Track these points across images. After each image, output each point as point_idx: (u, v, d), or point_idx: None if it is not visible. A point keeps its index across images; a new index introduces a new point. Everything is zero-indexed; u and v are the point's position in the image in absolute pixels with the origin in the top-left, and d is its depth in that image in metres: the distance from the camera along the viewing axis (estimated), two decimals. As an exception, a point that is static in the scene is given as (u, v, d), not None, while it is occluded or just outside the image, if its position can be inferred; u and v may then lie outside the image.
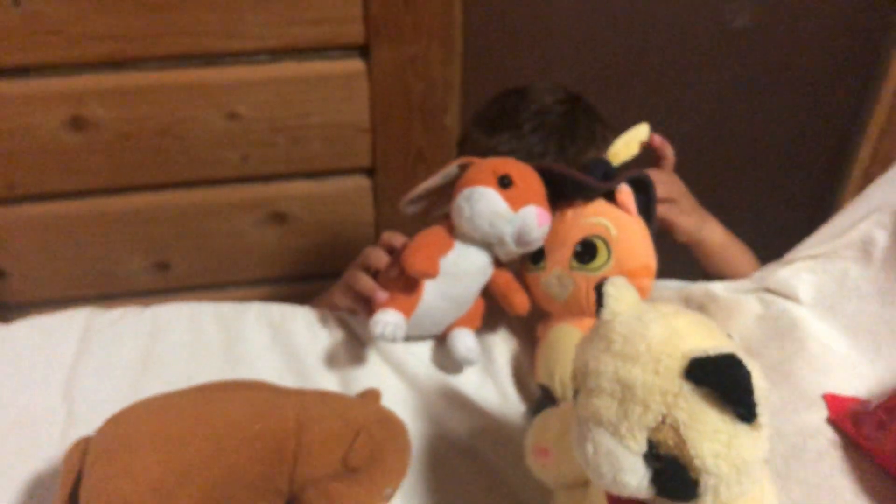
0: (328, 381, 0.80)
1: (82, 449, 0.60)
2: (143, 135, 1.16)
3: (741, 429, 0.46)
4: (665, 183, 0.89)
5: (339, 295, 0.84)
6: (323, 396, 0.67)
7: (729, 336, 0.52)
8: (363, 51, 1.15)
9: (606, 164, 0.78)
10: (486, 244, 0.77)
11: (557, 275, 0.76)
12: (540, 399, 0.77)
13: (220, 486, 0.59)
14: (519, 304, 0.79)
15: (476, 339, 0.81)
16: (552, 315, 0.80)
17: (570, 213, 0.77)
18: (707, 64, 1.35)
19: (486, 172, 0.75)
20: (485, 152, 0.85)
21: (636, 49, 1.32)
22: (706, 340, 0.48)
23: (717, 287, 0.83)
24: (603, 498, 0.55)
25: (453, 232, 0.77)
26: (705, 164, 1.45)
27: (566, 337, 0.75)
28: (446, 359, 0.81)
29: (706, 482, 0.46)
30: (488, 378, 0.82)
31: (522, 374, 0.82)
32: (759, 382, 0.46)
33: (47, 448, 0.70)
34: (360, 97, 1.18)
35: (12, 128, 1.12)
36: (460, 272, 0.77)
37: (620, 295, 0.53)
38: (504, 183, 0.74)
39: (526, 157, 0.79)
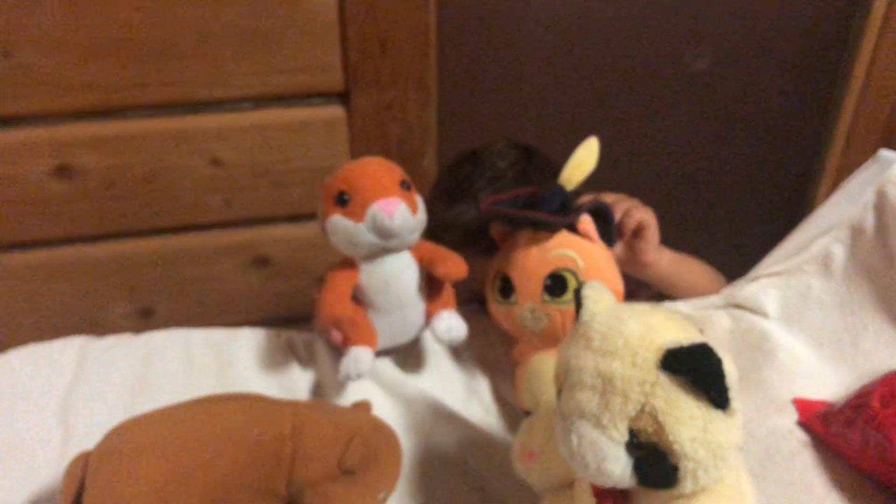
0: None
1: (83, 463, 0.61)
2: (128, 182, 1.17)
3: (716, 414, 0.48)
4: (620, 199, 0.91)
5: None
6: (316, 405, 0.69)
7: (700, 331, 0.55)
8: (343, 97, 1.17)
9: (562, 191, 0.77)
10: (378, 250, 0.77)
11: (530, 309, 0.77)
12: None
13: (220, 489, 0.60)
14: (453, 271, 0.78)
15: (457, 316, 0.81)
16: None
17: (534, 249, 0.76)
18: (669, 106, 1.39)
19: (328, 200, 0.77)
20: (445, 223, 0.88)
21: (602, 92, 1.36)
22: (680, 333, 0.51)
23: (685, 306, 0.86)
24: (587, 498, 0.57)
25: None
26: (669, 205, 1.47)
27: (547, 365, 0.74)
28: (434, 377, 0.83)
29: (685, 467, 0.48)
30: (474, 395, 0.83)
31: (504, 392, 0.83)
32: (731, 369, 0.48)
33: (45, 472, 0.71)
34: (341, 142, 1.20)
35: (-2, 176, 1.12)
36: (381, 284, 0.78)
37: (598, 297, 0.56)
38: (342, 201, 0.75)
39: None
